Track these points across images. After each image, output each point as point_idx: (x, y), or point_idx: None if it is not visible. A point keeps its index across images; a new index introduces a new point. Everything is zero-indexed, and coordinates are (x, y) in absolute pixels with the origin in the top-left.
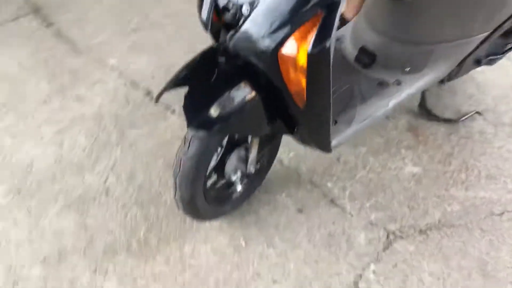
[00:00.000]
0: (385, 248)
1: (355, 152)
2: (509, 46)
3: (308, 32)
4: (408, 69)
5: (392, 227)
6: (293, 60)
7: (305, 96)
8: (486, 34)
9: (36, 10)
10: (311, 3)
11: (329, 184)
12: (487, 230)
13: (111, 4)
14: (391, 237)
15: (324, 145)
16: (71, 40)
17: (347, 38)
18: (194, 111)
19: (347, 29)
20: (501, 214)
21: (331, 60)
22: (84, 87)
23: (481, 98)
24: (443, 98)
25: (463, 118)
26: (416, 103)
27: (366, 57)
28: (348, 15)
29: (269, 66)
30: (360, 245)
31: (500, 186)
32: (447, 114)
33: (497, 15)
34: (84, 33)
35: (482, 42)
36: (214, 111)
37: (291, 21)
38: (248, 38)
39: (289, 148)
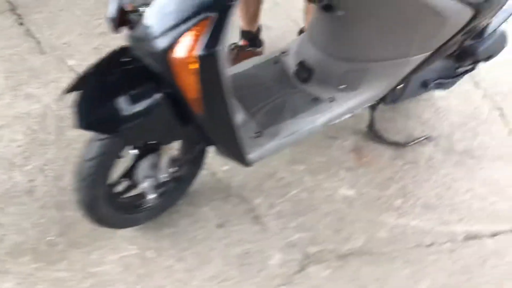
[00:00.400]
0: (298, 271)
1: (292, 170)
2: (460, 70)
3: (199, 34)
4: (343, 86)
5: (311, 249)
6: (184, 64)
7: (202, 102)
8: (425, 55)
9: (14, 8)
10: (203, 4)
11: (257, 200)
12: (411, 261)
13: (84, 7)
14: (307, 260)
15: (239, 158)
16: (38, 39)
17: (292, 51)
18: (86, 110)
19: (294, 42)
20: (430, 245)
21: (224, 65)
22: (37, 86)
23: (437, 124)
24: (397, 121)
25: (412, 142)
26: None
27: (304, 72)
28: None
29: (163, 69)
30: (274, 266)
31: (436, 216)
32: (398, 138)
33: (435, 36)
34: (52, 33)
35: (422, 64)
36: (107, 111)
37: (182, 23)
38: (142, 38)
39: (225, 161)
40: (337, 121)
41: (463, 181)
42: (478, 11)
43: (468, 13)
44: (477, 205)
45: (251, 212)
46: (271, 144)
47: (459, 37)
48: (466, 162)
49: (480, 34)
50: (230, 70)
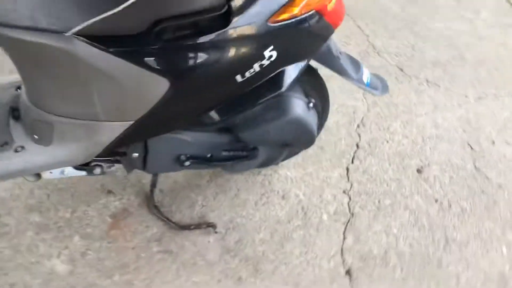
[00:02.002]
0: None
1: (25, 218)
2: (228, 154)
3: None
4: (36, 137)
5: None
6: None
7: None
8: (124, 123)
9: None
10: None
11: None
12: None
13: None
14: None
15: None
16: None
17: None
18: None
19: None
20: None
21: None
22: None
23: (250, 211)
24: (207, 194)
25: (192, 227)
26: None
27: (15, 110)
28: None
29: None
30: None
31: None
32: (184, 215)
33: (124, 104)
34: None
35: (133, 132)
36: None
37: None
38: None
39: None
40: (22, 178)
41: None
42: (175, 83)
43: (162, 83)
44: None
45: None
46: None
47: (180, 108)
48: (241, 275)
49: (227, 111)
50: None
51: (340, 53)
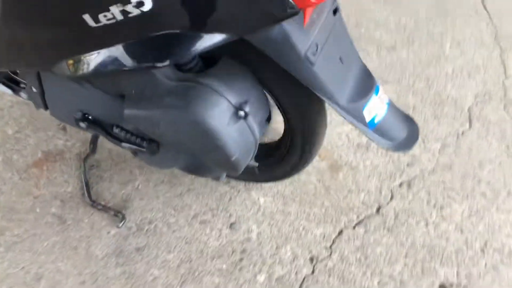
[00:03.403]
0: None
1: None
2: (119, 132)
3: None
4: None
5: None
6: None
7: None
8: None
9: None
10: None
11: None
12: None
13: None
14: None
15: None
16: None
17: None
18: None
19: None
20: None
21: None
22: None
23: (180, 224)
24: (147, 181)
25: (100, 205)
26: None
27: None
28: None
29: None
30: None
31: None
32: (108, 190)
33: None
34: None
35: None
36: None
37: None
38: None
39: None
40: None
41: None
42: None
43: None
44: None
45: None
46: None
47: None
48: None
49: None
50: None
51: (341, 59)
